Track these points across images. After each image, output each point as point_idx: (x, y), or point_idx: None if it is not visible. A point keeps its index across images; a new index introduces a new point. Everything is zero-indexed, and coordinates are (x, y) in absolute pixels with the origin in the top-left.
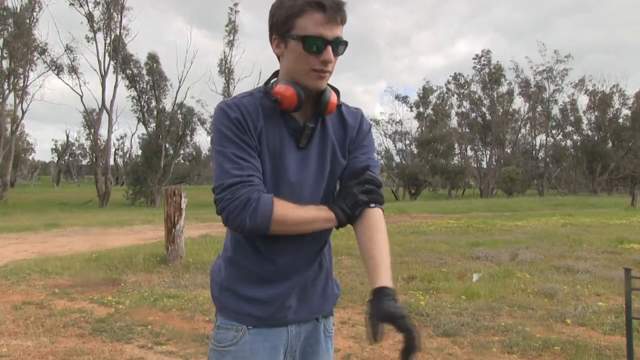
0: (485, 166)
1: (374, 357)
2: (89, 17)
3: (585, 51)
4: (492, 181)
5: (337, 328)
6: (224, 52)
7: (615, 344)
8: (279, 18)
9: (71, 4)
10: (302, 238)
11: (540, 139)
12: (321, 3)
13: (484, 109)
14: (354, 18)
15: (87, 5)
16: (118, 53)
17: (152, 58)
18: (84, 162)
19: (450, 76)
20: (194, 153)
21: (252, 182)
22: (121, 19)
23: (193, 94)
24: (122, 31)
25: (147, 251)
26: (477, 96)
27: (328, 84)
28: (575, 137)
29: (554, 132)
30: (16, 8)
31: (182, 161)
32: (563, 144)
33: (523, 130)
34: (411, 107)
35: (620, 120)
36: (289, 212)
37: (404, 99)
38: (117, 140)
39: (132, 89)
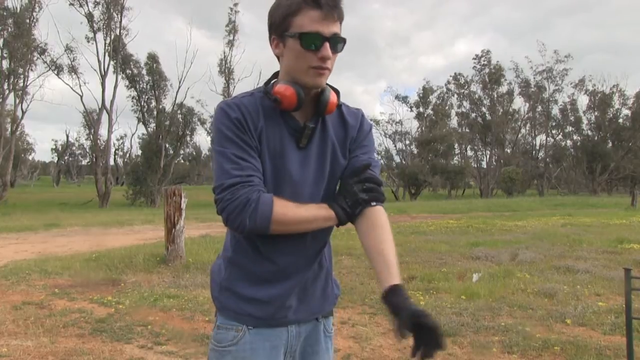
0: (485, 166)
1: (374, 357)
2: (89, 17)
3: (585, 51)
4: (492, 181)
5: (337, 328)
6: (224, 52)
7: (615, 344)
8: (277, 18)
9: (71, 4)
10: (302, 238)
11: (540, 139)
12: (317, 0)
13: (484, 109)
14: (354, 18)
15: (87, 5)
16: (118, 53)
17: (152, 58)
18: (84, 162)
19: (451, 76)
20: (194, 153)
21: (252, 182)
22: (121, 19)
23: (193, 94)
24: (122, 31)
25: (147, 251)
26: (477, 96)
27: (328, 84)
28: (575, 137)
29: (554, 132)
30: (16, 8)
31: (182, 161)
32: (563, 144)
33: (523, 130)
34: (411, 107)
35: (620, 120)
36: (289, 212)
37: (404, 99)
38: (117, 140)
39: (132, 89)
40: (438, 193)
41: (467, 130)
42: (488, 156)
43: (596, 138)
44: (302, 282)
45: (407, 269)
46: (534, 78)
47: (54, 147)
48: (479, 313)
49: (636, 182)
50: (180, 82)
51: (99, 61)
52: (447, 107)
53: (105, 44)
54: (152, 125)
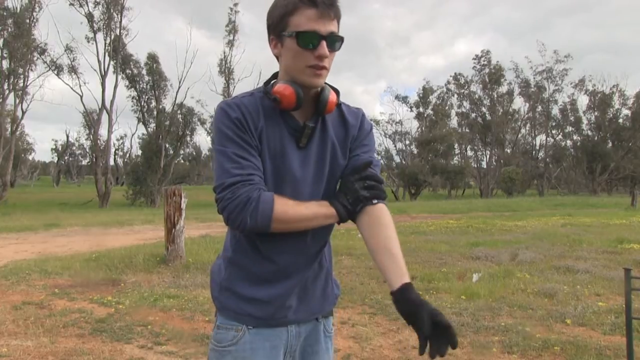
0: (485, 166)
1: (374, 357)
2: (89, 17)
3: (585, 51)
4: (492, 181)
5: (337, 328)
6: (224, 52)
7: (615, 344)
8: (274, 18)
9: (71, 4)
10: (302, 237)
11: (540, 139)
12: None
13: (484, 109)
14: (354, 18)
15: (87, 6)
16: (118, 53)
17: (152, 58)
18: (84, 162)
19: (451, 76)
20: (194, 153)
21: (253, 180)
22: (121, 19)
23: (193, 94)
24: (122, 31)
25: (147, 251)
26: (477, 96)
27: (328, 84)
28: (575, 137)
29: (554, 132)
30: (16, 8)
31: (182, 161)
32: (563, 144)
33: (523, 131)
34: (411, 107)
35: (620, 121)
36: (290, 210)
37: (404, 99)
38: (117, 140)
39: (132, 89)
40: (438, 193)
41: (467, 130)
42: (488, 156)
43: (596, 138)
44: (302, 281)
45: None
46: (534, 78)
47: (54, 147)
48: (479, 313)
49: (636, 182)
50: (180, 82)
51: (99, 61)
52: (447, 107)
53: (105, 44)
54: (152, 125)
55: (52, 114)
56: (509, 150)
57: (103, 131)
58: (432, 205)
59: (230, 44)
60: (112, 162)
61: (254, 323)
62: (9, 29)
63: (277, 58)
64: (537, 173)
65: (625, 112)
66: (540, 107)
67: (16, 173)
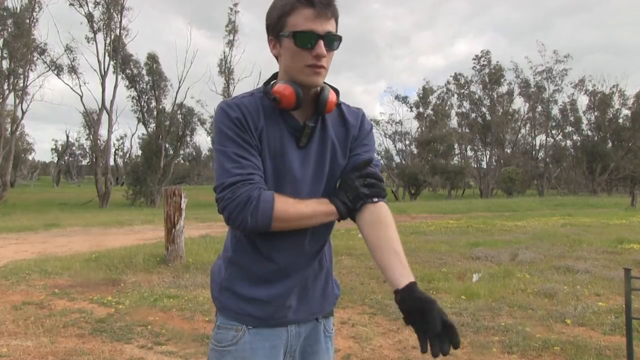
0: (485, 166)
1: (374, 357)
2: (89, 17)
3: (585, 51)
4: (492, 181)
5: (337, 328)
6: (224, 52)
7: (615, 344)
8: (272, 19)
9: (71, 4)
10: (301, 236)
11: (540, 139)
12: None
13: (484, 109)
14: (353, 18)
15: (87, 6)
16: (118, 53)
17: (152, 58)
18: (84, 162)
19: (451, 76)
20: (194, 153)
21: (253, 180)
22: (121, 19)
23: (193, 94)
24: (122, 31)
25: (147, 251)
26: (477, 96)
27: (328, 84)
28: (575, 137)
29: (553, 132)
30: (16, 8)
31: (182, 161)
32: (563, 144)
33: (523, 131)
34: (411, 108)
35: (620, 121)
36: (290, 208)
37: (403, 99)
38: (117, 140)
39: (132, 89)
40: (438, 193)
41: (467, 130)
42: (488, 156)
43: (596, 138)
44: (302, 281)
45: None
46: (534, 78)
47: (54, 147)
48: (479, 313)
49: (636, 182)
50: (180, 82)
51: (99, 61)
52: (447, 107)
53: (105, 44)
54: (152, 125)
55: (52, 114)
56: (509, 151)
57: (103, 131)
58: (432, 205)
59: (230, 44)
60: (112, 162)
61: (254, 323)
62: (9, 29)
63: (277, 58)
64: (537, 173)
65: (625, 112)
66: (540, 107)
67: (16, 173)
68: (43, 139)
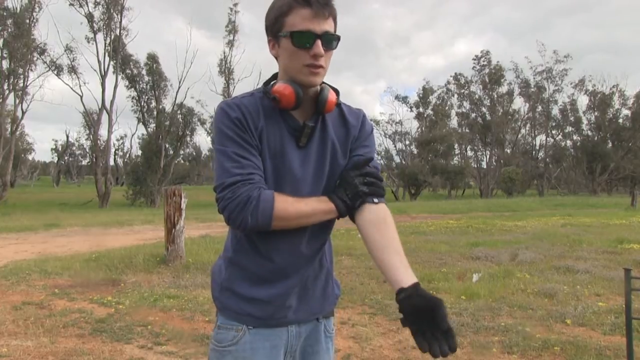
0: (485, 166)
1: (374, 357)
2: (89, 17)
3: (585, 51)
4: (492, 181)
5: (337, 328)
6: (224, 52)
7: (615, 344)
8: (271, 19)
9: (71, 4)
10: (299, 237)
11: (540, 139)
12: None
13: (484, 109)
14: (353, 18)
15: (87, 6)
16: (118, 53)
17: (152, 58)
18: (84, 163)
19: (451, 76)
20: (194, 153)
21: (253, 180)
22: (121, 20)
23: (193, 94)
24: (122, 31)
25: (147, 251)
26: (477, 96)
27: (328, 84)
28: (575, 137)
29: (553, 132)
30: (16, 8)
31: (182, 161)
32: (563, 144)
33: (523, 131)
34: (411, 108)
35: (620, 121)
36: (290, 207)
37: (403, 99)
38: (117, 140)
39: (132, 89)
40: (438, 193)
41: (467, 130)
42: (488, 156)
43: (596, 138)
44: (302, 281)
45: None
46: (534, 78)
47: (54, 147)
48: (479, 313)
49: (636, 182)
50: (180, 82)
51: (98, 61)
52: (447, 108)
53: (105, 44)
54: (152, 125)
55: (52, 114)
56: (509, 151)
57: (103, 131)
58: (432, 206)
59: (230, 44)
60: (112, 162)
61: (254, 323)
62: (9, 29)
63: (276, 59)
64: (537, 173)
65: (625, 112)
66: (540, 107)
67: (16, 173)
68: (43, 139)
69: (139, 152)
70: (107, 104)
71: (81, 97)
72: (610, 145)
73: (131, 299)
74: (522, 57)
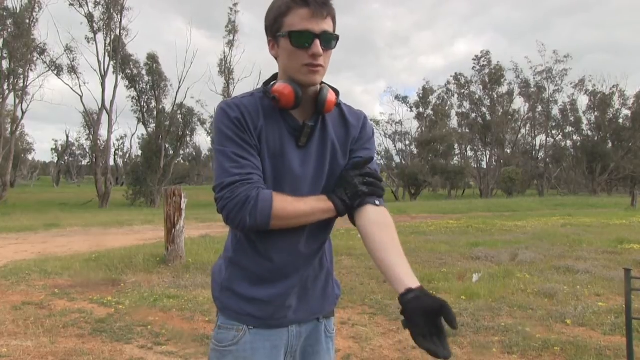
0: (485, 166)
1: (374, 357)
2: (89, 17)
3: (585, 51)
4: (492, 181)
5: (337, 328)
6: (224, 52)
7: (615, 345)
8: (270, 20)
9: (71, 4)
10: (297, 237)
11: (540, 139)
12: None
13: (484, 109)
14: (353, 18)
15: (87, 6)
16: (118, 53)
17: (152, 58)
18: (84, 163)
19: (451, 76)
20: (194, 153)
21: (251, 179)
22: (121, 20)
23: (193, 94)
24: (121, 31)
25: (147, 251)
26: (477, 96)
27: (328, 84)
28: (575, 137)
29: (554, 132)
30: (16, 8)
31: (182, 161)
32: (563, 144)
33: (523, 131)
34: (411, 108)
35: (620, 121)
36: (288, 206)
37: (403, 99)
38: (117, 140)
39: (132, 89)
40: (438, 193)
41: (467, 130)
42: (488, 156)
43: (596, 138)
44: (302, 281)
45: None
46: (534, 78)
47: (54, 147)
48: (479, 313)
49: (636, 182)
50: (180, 82)
51: (98, 61)
52: (447, 108)
53: (105, 44)
54: (152, 125)
55: (52, 114)
56: (509, 151)
57: (103, 131)
58: (432, 206)
59: (230, 44)
60: (112, 163)
61: (254, 323)
62: (9, 29)
63: (276, 59)
64: (537, 173)
65: (625, 112)
66: (540, 107)
67: (16, 173)
68: (43, 139)
69: (139, 152)
70: (107, 104)
71: (81, 97)
72: (610, 145)
73: (131, 299)
74: (522, 57)
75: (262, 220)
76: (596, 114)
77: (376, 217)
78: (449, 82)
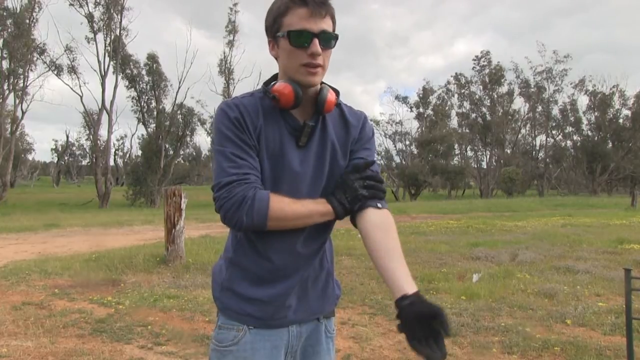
0: (485, 166)
1: (374, 357)
2: (89, 17)
3: (585, 51)
4: (492, 181)
5: (337, 328)
6: (224, 53)
7: (615, 345)
8: (269, 20)
9: (71, 5)
10: (295, 237)
11: (540, 139)
12: None
13: (484, 110)
14: (353, 18)
15: (87, 6)
16: (118, 53)
17: (152, 58)
18: (84, 163)
19: (451, 76)
20: (194, 153)
21: (248, 180)
22: (121, 20)
23: (193, 95)
24: (121, 32)
25: (147, 251)
26: (477, 96)
27: (328, 84)
28: (575, 137)
29: (554, 132)
30: (16, 8)
31: (182, 161)
32: (563, 144)
33: (523, 131)
34: (411, 108)
35: (620, 121)
36: (286, 207)
37: (403, 100)
38: (117, 140)
39: (132, 89)
40: (438, 193)
41: (467, 130)
42: (488, 156)
43: (596, 138)
44: (301, 281)
45: None
46: (534, 78)
47: (54, 147)
48: (479, 313)
49: (636, 183)
50: (180, 83)
51: (98, 61)
52: (447, 108)
53: (105, 44)
54: (152, 125)
55: (52, 114)
56: (509, 151)
57: (103, 131)
58: (432, 206)
59: (230, 44)
60: (112, 163)
61: (254, 323)
62: (9, 29)
63: (276, 59)
64: (537, 173)
65: (625, 112)
66: (540, 107)
67: (16, 173)
68: (43, 139)
69: (139, 152)
70: (107, 104)
71: (81, 97)
72: (610, 145)
73: (131, 299)
74: (522, 57)
75: (258, 220)
76: (596, 114)
77: (377, 219)
78: (449, 82)
